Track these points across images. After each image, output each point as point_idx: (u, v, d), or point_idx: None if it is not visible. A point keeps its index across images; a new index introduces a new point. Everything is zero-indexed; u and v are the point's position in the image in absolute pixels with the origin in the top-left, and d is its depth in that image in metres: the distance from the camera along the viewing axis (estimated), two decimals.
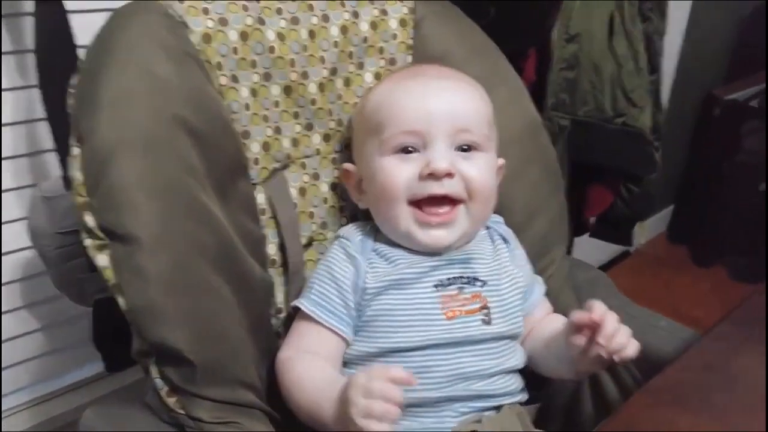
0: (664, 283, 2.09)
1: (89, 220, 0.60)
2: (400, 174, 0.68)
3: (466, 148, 0.69)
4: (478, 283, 0.70)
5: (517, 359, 0.72)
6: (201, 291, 0.63)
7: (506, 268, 0.74)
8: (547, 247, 0.83)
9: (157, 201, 0.61)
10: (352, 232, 0.74)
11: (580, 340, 0.64)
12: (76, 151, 0.62)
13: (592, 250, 1.51)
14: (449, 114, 0.68)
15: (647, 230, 2.26)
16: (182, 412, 0.62)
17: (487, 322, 0.69)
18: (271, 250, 0.74)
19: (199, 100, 0.67)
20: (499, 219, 0.79)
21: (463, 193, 0.68)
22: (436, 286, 0.69)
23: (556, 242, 0.85)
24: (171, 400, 0.62)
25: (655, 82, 1.22)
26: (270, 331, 0.73)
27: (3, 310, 1.01)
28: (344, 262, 0.71)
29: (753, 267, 1.94)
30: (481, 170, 0.69)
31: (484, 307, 0.69)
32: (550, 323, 0.74)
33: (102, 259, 0.60)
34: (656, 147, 1.26)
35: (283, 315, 0.75)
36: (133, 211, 0.60)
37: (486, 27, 0.90)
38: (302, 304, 0.70)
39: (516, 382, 0.72)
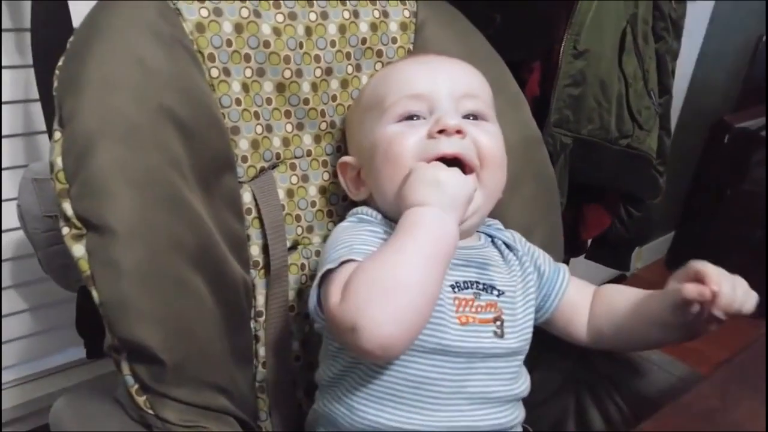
0: None
1: (67, 207, 0.58)
2: (407, 138, 0.64)
3: (473, 117, 0.66)
4: (495, 292, 0.65)
5: (523, 384, 0.67)
6: (176, 288, 0.60)
7: (520, 281, 0.69)
8: None
9: (135, 192, 0.59)
10: (364, 212, 0.67)
11: (694, 309, 0.58)
12: (57, 135, 0.60)
13: (588, 270, 1.48)
14: (454, 80, 0.66)
15: (643, 255, 2.24)
16: (151, 411, 0.60)
17: (500, 336, 0.63)
18: (255, 251, 0.72)
19: (189, 91, 0.64)
20: (499, 224, 0.74)
21: (475, 159, 0.64)
22: (452, 286, 0.63)
23: None
24: (140, 399, 0.60)
25: (665, 104, 1.18)
26: (249, 334, 0.71)
27: None
28: (365, 231, 0.63)
29: None
30: (491, 137, 0.66)
31: (498, 318, 0.64)
32: (625, 294, 0.69)
33: (78, 250, 0.58)
34: (660, 172, 1.24)
35: (262, 319, 0.72)
36: (110, 201, 0.58)
37: (491, 36, 0.88)
38: (352, 259, 0.58)
39: (520, 415, 0.66)
